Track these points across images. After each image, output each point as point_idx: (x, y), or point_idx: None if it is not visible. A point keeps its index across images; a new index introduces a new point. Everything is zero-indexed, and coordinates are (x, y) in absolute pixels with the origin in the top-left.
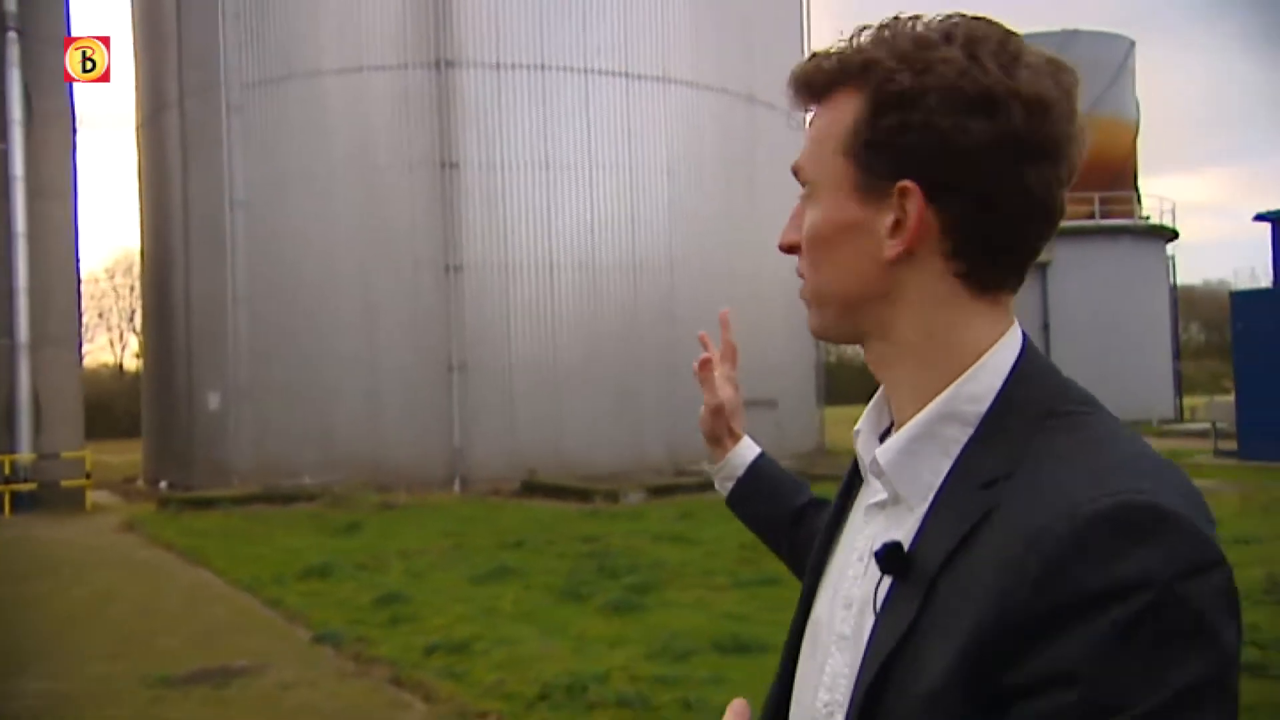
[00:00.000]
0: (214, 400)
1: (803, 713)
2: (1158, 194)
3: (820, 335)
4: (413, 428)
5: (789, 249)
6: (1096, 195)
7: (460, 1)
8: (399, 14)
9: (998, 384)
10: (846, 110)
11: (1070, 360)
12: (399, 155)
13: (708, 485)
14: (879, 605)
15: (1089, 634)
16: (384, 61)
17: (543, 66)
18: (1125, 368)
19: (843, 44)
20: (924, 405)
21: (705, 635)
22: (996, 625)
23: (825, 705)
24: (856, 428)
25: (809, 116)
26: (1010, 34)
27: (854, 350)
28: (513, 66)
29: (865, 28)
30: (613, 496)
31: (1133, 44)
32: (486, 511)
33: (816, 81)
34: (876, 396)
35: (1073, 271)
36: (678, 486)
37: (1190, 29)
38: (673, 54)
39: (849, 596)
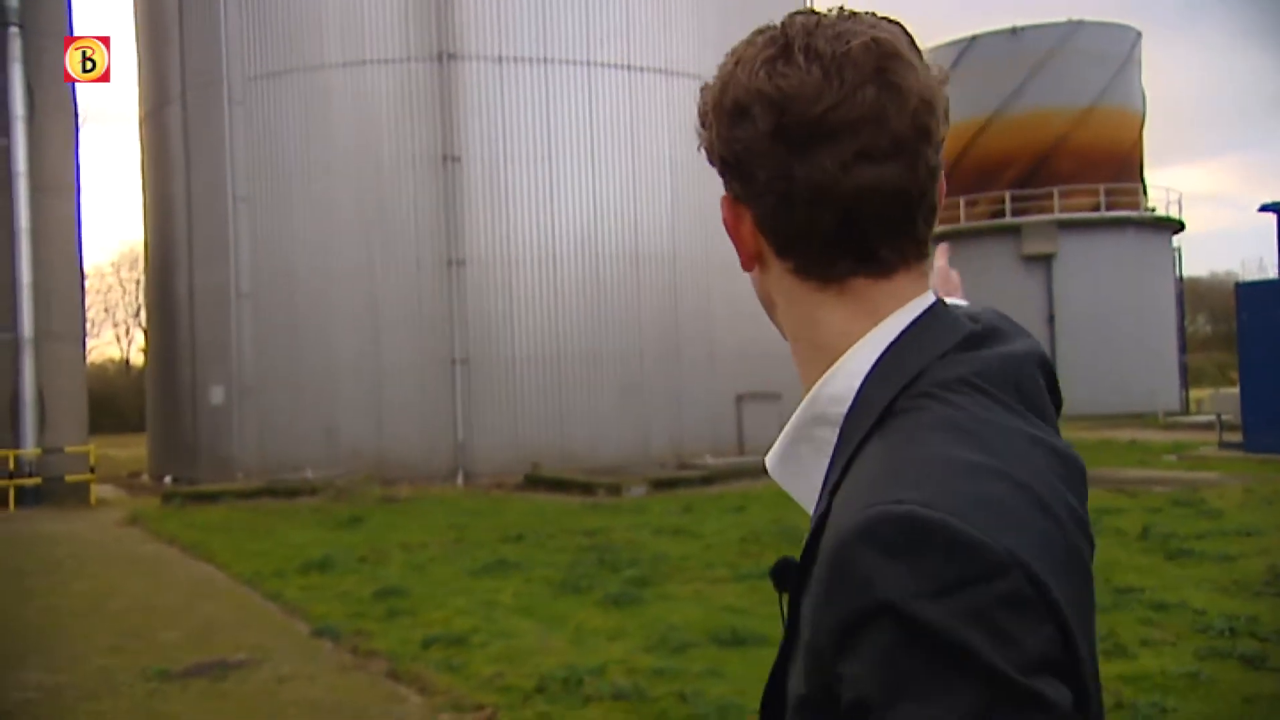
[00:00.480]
0: (218, 395)
1: None
2: (1164, 185)
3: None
4: (416, 421)
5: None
6: (1102, 187)
7: None
8: (401, 6)
9: (856, 383)
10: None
11: (1075, 353)
12: (402, 149)
13: (710, 479)
14: (785, 619)
15: (865, 654)
16: (386, 55)
17: (545, 59)
18: (1131, 360)
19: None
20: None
21: (703, 628)
22: (809, 647)
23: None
24: None
25: None
26: (807, 27)
27: None
28: (515, 59)
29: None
30: (615, 489)
31: (1139, 35)
32: (489, 505)
33: (700, 116)
34: None
35: (1078, 264)
36: (680, 480)
37: (1196, 18)
38: (675, 46)
39: None
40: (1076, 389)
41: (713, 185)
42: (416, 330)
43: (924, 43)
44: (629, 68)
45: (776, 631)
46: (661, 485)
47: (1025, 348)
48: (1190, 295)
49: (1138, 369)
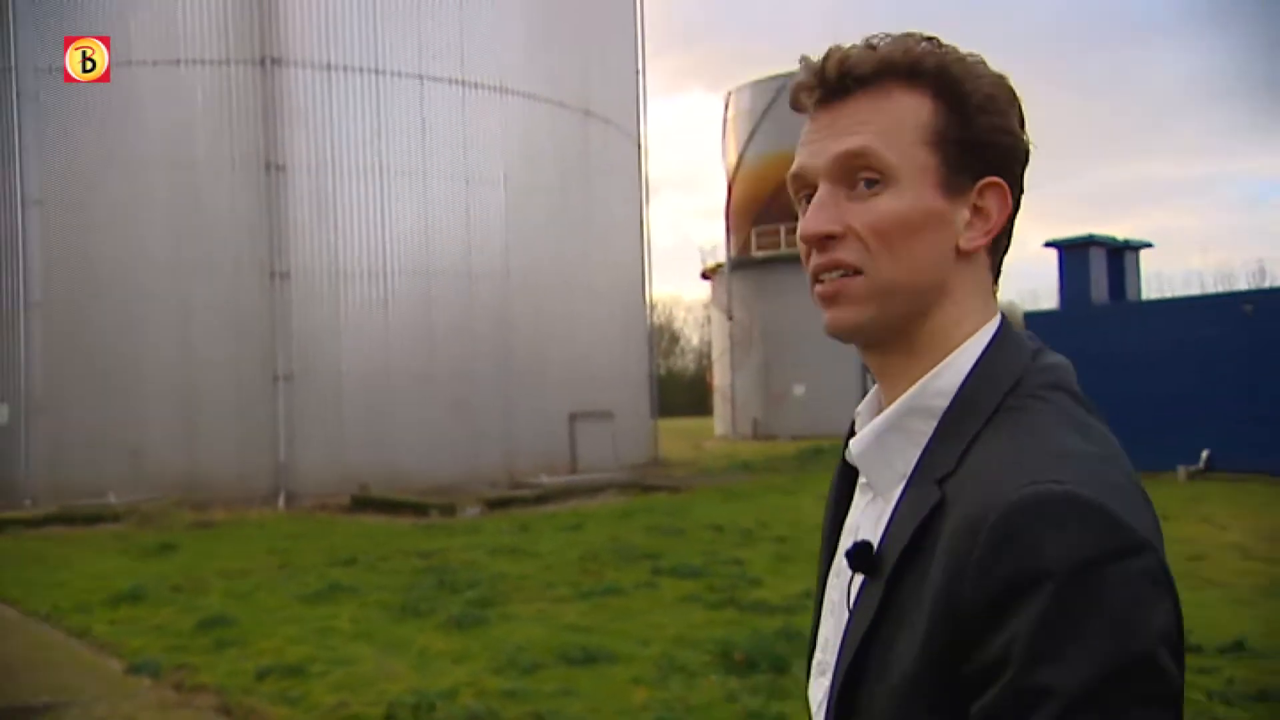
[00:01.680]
0: (2, 414)
1: (813, 667)
2: None
3: (860, 332)
4: (233, 441)
5: (821, 239)
6: None
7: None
8: (220, 8)
9: (961, 379)
10: (911, 104)
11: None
12: (219, 155)
13: (544, 498)
14: (852, 602)
15: (1018, 621)
16: (203, 55)
17: (376, 70)
18: None
19: (861, 49)
20: None
21: (551, 648)
22: (947, 618)
23: (819, 664)
24: (858, 410)
25: (823, 102)
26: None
27: (683, 363)
28: (345, 68)
29: (874, 40)
30: (449, 510)
31: None
32: (315, 528)
33: (861, 68)
34: (872, 392)
35: None
36: (514, 499)
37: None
38: (509, 65)
39: (840, 565)
40: None
41: (546, 204)
42: (235, 344)
43: (753, 76)
44: (463, 84)
45: (626, 648)
46: (496, 505)
47: (1064, 357)
48: None
49: None
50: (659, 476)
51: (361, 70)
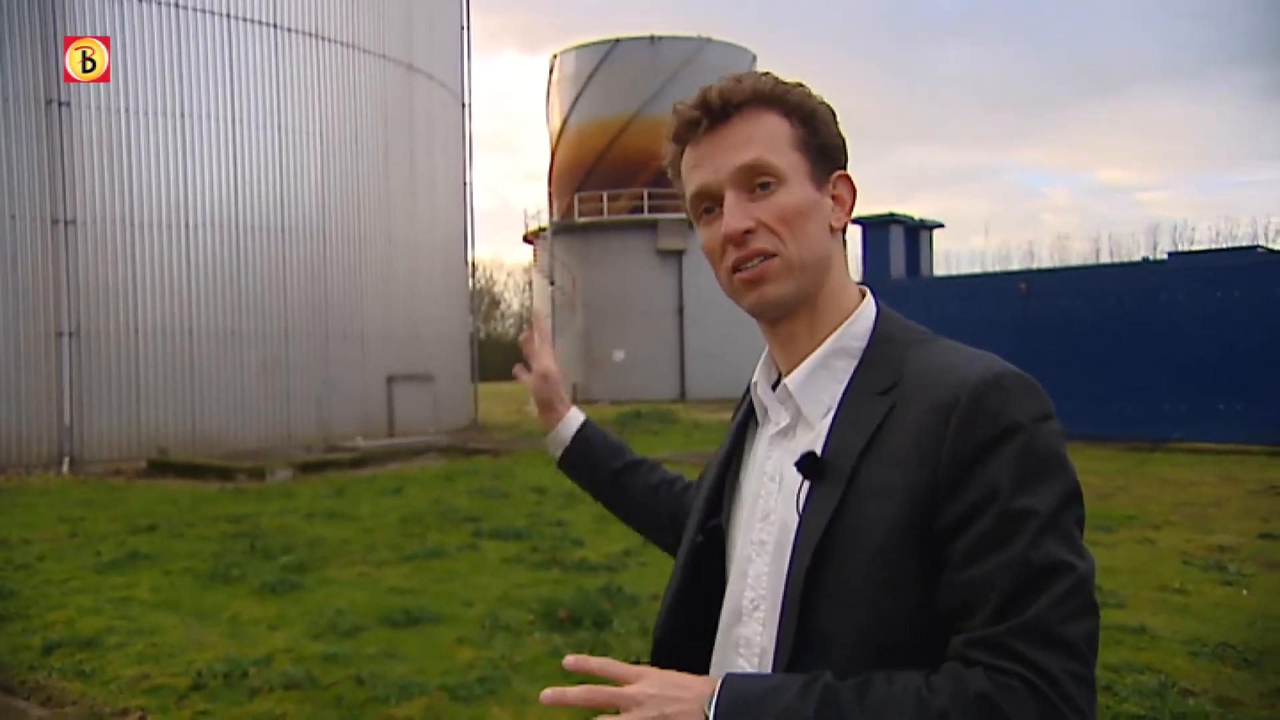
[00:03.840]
0: None
1: (730, 614)
2: None
3: (784, 304)
4: (9, 401)
5: (742, 234)
6: None
7: None
8: None
9: (869, 326)
10: (775, 123)
11: (701, 341)
12: None
13: (361, 461)
14: (801, 507)
15: (1000, 460)
16: None
17: (176, 4)
18: (750, 349)
19: (730, 82)
20: (815, 347)
21: (373, 611)
22: (930, 478)
23: (751, 601)
24: (754, 379)
25: (710, 128)
26: None
27: (504, 327)
28: None
29: (738, 76)
30: (258, 474)
31: (754, 57)
32: (108, 494)
33: (738, 97)
34: (764, 356)
35: (705, 260)
36: (330, 462)
37: (807, 48)
38: (325, 11)
39: (766, 509)
40: (701, 373)
41: (367, 158)
42: (10, 297)
43: (569, 42)
44: (274, 26)
45: (450, 609)
46: (309, 469)
47: None
48: None
49: (754, 356)
50: (480, 439)
51: (158, 2)
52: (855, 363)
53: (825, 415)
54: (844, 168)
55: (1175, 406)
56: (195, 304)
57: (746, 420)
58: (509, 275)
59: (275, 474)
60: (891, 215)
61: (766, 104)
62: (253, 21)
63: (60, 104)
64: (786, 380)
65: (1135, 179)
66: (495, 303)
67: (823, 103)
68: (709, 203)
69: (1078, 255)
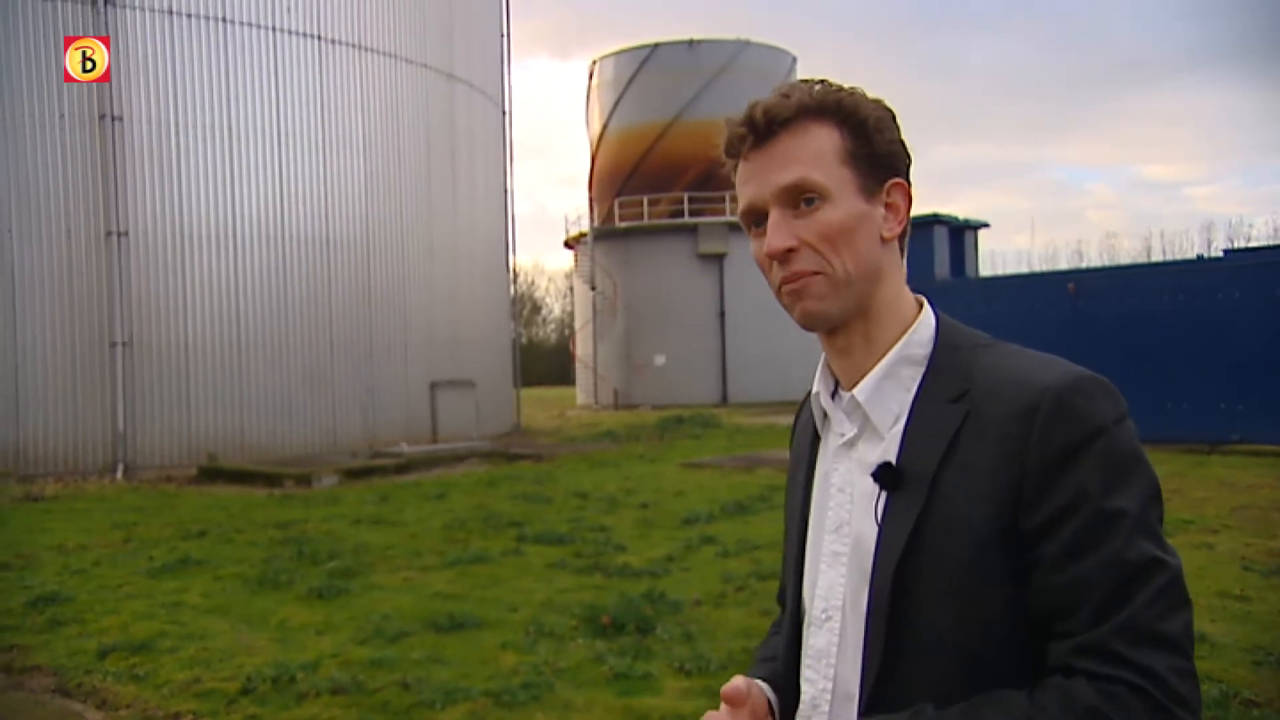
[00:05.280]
0: None
1: (810, 623)
2: None
3: (829, 318)
4: (65, 410)
5: (784, 253)
6: None
7: None
8: None
9: (932, 333)
10: (824, 136)
11: (743, 345)
12: (47, 103)
13: (405, 467)
14: (880, 516)
15: (1089, 462)
16: None
17: (224, 19)
18: (791, 352)
19: (777, 98)
20: (878, 358)
21: (418, 616)
22: (1016, 482)
23: (824, 612)
24: (814, 390)
25: (756, 145)
26: None
27: (545, 333)
28: (189, 15)
29: (787, 89)
30: (305, 480)
31: (795, 59)
32: (160, 500)
33: (784, 113)
34: (820, 366)
35: (747, 263)
36: (375, 469)
37: (845, 47)
38: (369, 22)
39: (837, 521)
40: (743, 377)
41: (409, 167)
42: (65, 308)
43: (600, 48)
44: (319, 38)
45: (494, 614)
46: (355, 475)
47: None
48: None
49: (797, 360)
50: (522, 445)
51: (207, 18)
52: (922, 371)
53: (895, 424)
54: (904, 172)
55: (1233, 407)
56: (243, 314)
57: (814, 434)
58: (550, 280)
59: (321, 480)
60: (935, 216)
61: (814, 117)
62: (298, 34)
63: (113, 119)
64: (855, 392)
65: (1180, 173)
66: (536, 308)
67: (879, 107)
68: (757, 217)
69: (1127, 254)
